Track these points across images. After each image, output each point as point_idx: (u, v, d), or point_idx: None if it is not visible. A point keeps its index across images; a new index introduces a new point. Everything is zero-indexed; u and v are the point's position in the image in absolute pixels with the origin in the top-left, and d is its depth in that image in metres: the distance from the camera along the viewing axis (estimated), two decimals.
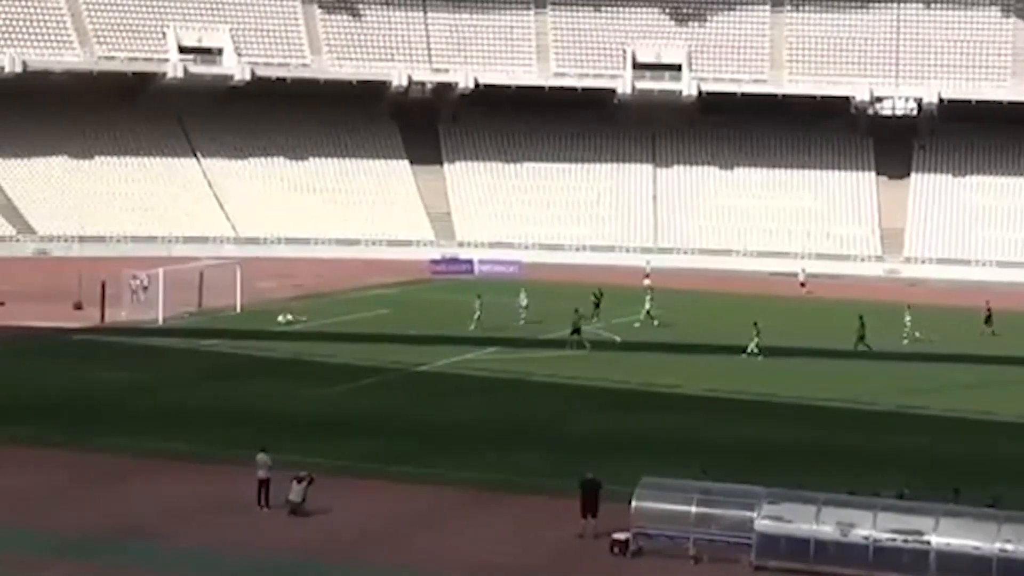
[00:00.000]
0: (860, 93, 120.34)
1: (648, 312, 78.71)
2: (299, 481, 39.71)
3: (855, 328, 72.38)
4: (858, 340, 72.07)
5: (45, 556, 35.73)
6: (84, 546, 36.60)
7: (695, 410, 57.43)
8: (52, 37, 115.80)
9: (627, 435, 51.16)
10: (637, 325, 77.18)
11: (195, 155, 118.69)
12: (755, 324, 69.58)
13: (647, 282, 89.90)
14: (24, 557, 35.49)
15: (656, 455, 46.94)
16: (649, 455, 46.96)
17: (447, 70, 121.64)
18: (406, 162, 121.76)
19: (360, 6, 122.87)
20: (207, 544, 37.18)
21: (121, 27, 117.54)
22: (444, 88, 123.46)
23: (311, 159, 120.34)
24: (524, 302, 78.36)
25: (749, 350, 68.76)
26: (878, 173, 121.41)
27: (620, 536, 37.42)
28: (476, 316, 75.16)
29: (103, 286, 75.66)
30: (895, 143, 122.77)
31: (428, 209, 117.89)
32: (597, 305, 79.05)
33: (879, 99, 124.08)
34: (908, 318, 76.42)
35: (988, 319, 79.52)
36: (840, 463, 46.69)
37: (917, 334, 75.52)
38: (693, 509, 37.23)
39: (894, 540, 35.83)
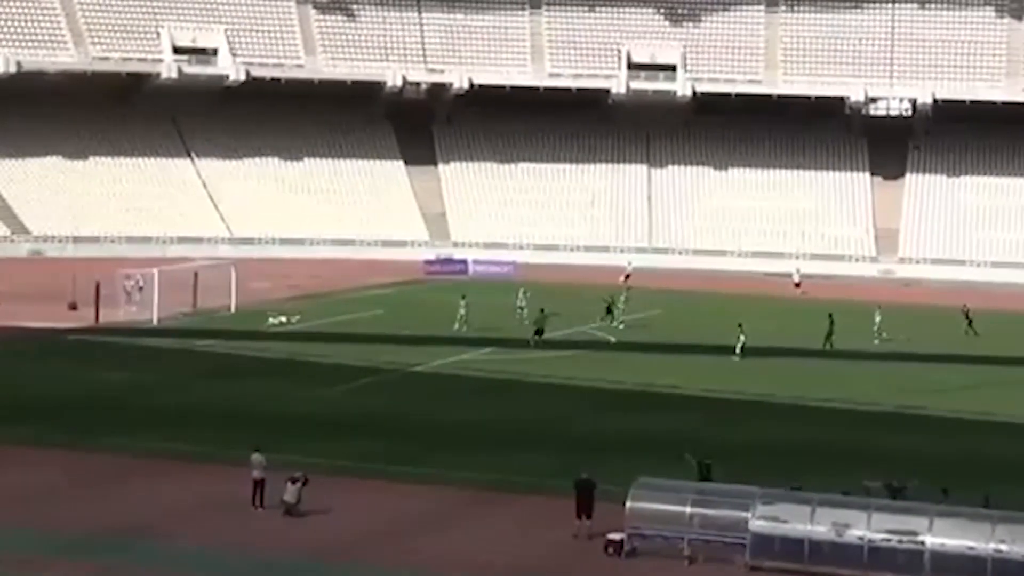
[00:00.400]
0: (855, 93, 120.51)
1: (619, 308, 78.64)
2: (293, 482, 39.78)
3: (825, 327, 72.84)
4: (827, 339, 72.46)
5: (45, 556, 35.82)
6: (84, 546, 36.70)
7: (693, 410, 57.55)
8: (47, 37, 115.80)
9: (626, 435, 51.31)
10: (621, 327, 77.20)
11: (189, 155, 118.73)
12: (740, 325, 69.86)
13: (621, 279, 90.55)
14: (24, 556, 35.59)
15: (655, 455, 47.02)
16: (648, 455, 47.07)
17: (442, 70, 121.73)
18: (401, 162, 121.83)
19: (355, 7, 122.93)
20: (207, 544, 37.29)
21: (116, 27, 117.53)
22: (439, 88, 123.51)
23: (306, 159, 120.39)
24: (523, 303, 78.35)
25: (738, 351, 69.00)
26: (873, 173, 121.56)
27: (615, 536, 37.55)
28: (459, 316, 75.13)
29: (97, 286, 75.67)
30: (890, 143, 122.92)
31: (423, 209, 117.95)
32: (609, 310, 78.97)
33: (874, 99, 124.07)
34: (878, 318, 76.79)
35: (969, 323, 79.63)
36: (839, 463, 46.76)
37: (884, 335, 75.81)
38: (688, 509, 37.37)
39: (888, 540, 35.98)
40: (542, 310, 72.92)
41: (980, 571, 35.27)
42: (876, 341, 75.46)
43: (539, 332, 70.90)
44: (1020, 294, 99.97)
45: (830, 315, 73.82)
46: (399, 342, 71.21)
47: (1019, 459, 50.02)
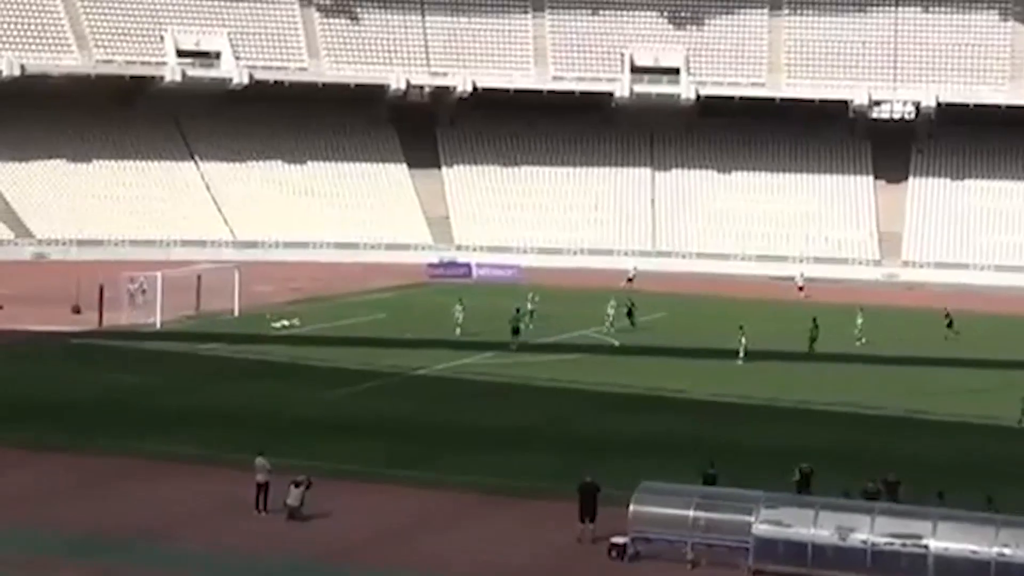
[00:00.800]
0: (858, 97, 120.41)
1: (607, 314, 78.59)
2: (297, 485, 39.77)
3: (808, 329, 72.82)
4: (811, 342, 72.40)
5: (48, 557, 35.87)
6: (86, 548, 36.72)
7: (697, 414, 57.53)
8: (50, 40, 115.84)
9: (630, 439, 51.27)
10: (612, 331, 77.13)
11: (193, 158, 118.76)
12: (740, 328, 69.84)
13: (623, 284, 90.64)
14: (27, 558, 35.64)
15: (659, 459, 47.04)
16: (652, 459, 47.08)
17: (445, 73, 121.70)
18: (404, 165, 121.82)
19: (358, 10, 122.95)
20: (210, 547, 37.31)
21: (119, 30, 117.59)
22: (442, 92, 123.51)
23: (309, 162, 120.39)
24: (532, 306, 78.14)
25: (741, 354, 68.94)
26: (876, 177, 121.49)
27: (619, 540, 37.53)
28: (455, 321, 74.93)
29: (101, 290, 75.71)
30: (893, 147, 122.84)
31: (426, 213, 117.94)
32: (629, 313, 78.89)
33: (877, 103, 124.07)
34: (860, 320, 76.74)
35: (950, 324, 79.55)
36: (842, 467, 46.62)
37: (863, 339, 75.81)
38: (691, 513, 37.34)
39: (892, 544, 35.93)
40: (517, 309, 73.21)
41: (983, 575, 35.21)
42: (858, 343, 75.47)
43: (516, 332, 70.87)
44: (1023, 297, 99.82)
45: (814, 319, 73.87)
46: (402, 345, 71.22)
47: (1022, 462, 49.94)
